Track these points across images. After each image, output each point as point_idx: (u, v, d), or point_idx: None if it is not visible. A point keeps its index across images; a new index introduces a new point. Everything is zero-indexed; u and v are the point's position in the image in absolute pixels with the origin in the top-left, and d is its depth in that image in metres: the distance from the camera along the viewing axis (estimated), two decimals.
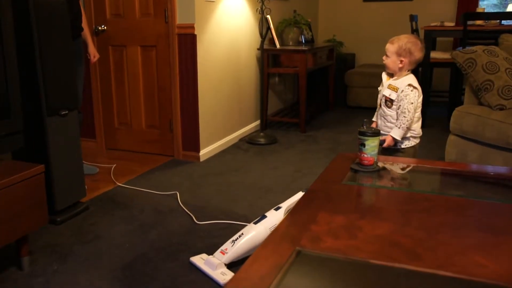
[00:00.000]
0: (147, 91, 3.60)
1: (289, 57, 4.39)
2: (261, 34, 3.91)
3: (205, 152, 3.56)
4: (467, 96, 3.25)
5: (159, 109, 3.59)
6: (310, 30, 5.16)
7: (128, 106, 3.69)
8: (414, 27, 4.77)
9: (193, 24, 3.31)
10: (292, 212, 1.42)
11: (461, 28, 4.33)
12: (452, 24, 4.88)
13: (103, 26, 3.57)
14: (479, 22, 4.53)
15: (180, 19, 3.34)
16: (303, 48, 4.31)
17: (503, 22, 4.48)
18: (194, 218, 2.53)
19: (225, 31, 3.74)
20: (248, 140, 4.00)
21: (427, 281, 1.09)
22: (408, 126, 2.36)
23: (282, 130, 4.47)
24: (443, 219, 1.41)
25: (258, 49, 4.26)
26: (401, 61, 2.34)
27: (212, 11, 3.52)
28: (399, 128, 2.35)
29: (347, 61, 5.94)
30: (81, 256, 2.14)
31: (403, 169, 1.97)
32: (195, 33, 3.33)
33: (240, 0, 3.95)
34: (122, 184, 3.05)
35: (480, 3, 5.76)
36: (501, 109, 2.96)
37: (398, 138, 2.36)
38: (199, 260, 2.06)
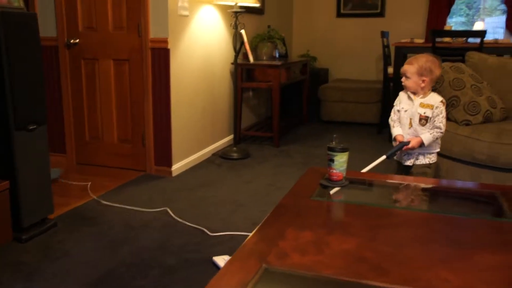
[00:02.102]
0: (120, 104, 3.56)
1: (262, 72, 4.42)
2: (235, 48, 3.93)
3: (177, 166, 3.53)
4: None
5: (132, 123, 3.56)
6: (284, 45, 5.21)
7: (99, 120, 3.64)
8: (385, 43, 4.87)
9: (167, 38, 3.30)
10: (260, 228, 1.42)
11: (429, 45, 4.45)
12: (422, 40, 5.00)
13: (75, 39, 3.53)
14: (446, 39, 4.66)
15: (153, 33, 3.33)
16: (277, 63, 4.34)
17: (470, 40, 4.62)
18: (165, 233, 2.50)
19: (199, 45, 3.74)
20: (221, 155, 3.99)
21: None
22: (438, 137, 2.45)
23: (255, 144, 4.48)
24: (410, 234, 1.43)
25: (232, 63, 4.27)
26: (423, 80, 2.40)
27: (186, 25, 3.53)
28: (431, 134, 2.41)
29: (320, 76, 6.02)
30: (48, 274, 2.09)
31: (371, 184, 2.00)
32: (169, 47, 3.32)
33: (214, 14, 3.97)
34: (93, 199, 3.00)
35: (449, 20, 5.93)
36: (467, 125, 3.04)
37: (427, 143, 2.42)
38: (222, 260, 2.12)
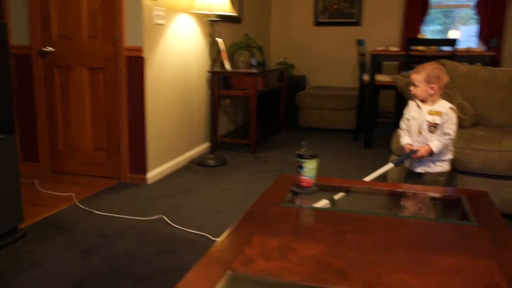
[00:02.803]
0: (94, 113, 3.54)
1: (239, 80, 4.44)
2: (211, 57, 3.94)
3: (153, 174, 3.52)
4: None
5: (107, 131, 3.53)
6: (262, 53, 5.24)
7: (74, 129, 3.61)
8: (361, 51, 4.93)
9: (142, 47, 3.30)
10: (227, 235, 1.42)
11: (404, 53, 4.53)
12: (397, 48, 5.08)
13: (48, 47, 3.50)
14: (421, 47, 4.75)
15: (128, 41, 3.32)
16: (254, 70, 4.37)
17: (443, 48, 4.71)
18: (138, 241, 2.48)
19: (175, 53, 3.75)
20: (197, 162, 3.98)
21: None
22: (448, 144, 2.45)
23: (232, 151, 4.48)
24: (376, 238, 1.45)
25: (208, 71, 4.28)
26: (432, 87, 2.42)
27: (162, 33, 3.53)
28: (440, 142, 2.42)
29: (298, 83, 6.06)
30: (15, 285, 2.05)
31: (340, 190, 2.02)
32: (144, 55, 3.32)
33: (190, 23, 3.98)
34: (66, 208, 2.96)
35: (426, 28, 6.04)
36: None
37: (436, 151, 2.42)
38: None
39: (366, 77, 4.77)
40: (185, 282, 1.15)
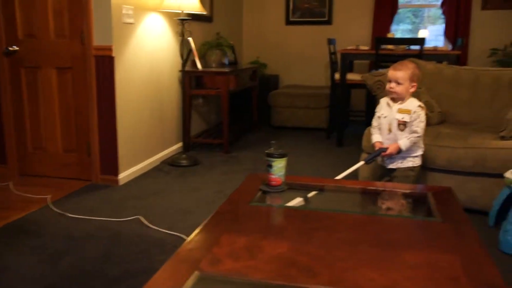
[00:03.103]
0: (63, 113, 3.48)
1: (211, 79, 4.43)
2: (182, 56, 3.92)
3: (124, 175, 3.48)
4: None
5: (76, 132, 3.48)
6: (234, 52, 5.24)
7: (43, 130, 3.54)
8: (332, 50, 4.99)
9: (111, 45, 3.26)
10: (196, 235, 1.42)
11: (373, 52, 4.60)
12: (367, 47, 5.15)
13: (14, 46, 3.42)
14: (390, 46, 4.83)
15: (97, 40, 3.28)
16: (225, 70, 4.37)
17: (412, 47, 4.80)
18: (109, 243, 2.46)
19: (145, 53, 3.72)
20: (170, 162, 3.97)
21: None
22: (416, 142, 2.50)
23: (205, 151, 4.48)
24: (343, 236, 1.48)
25: (180, 71, 4.26)
26: (413, 86, 2.47)
27: (131, 32, 3.49)
28: (408, 139, 2.47)
29: (271, 82, 6.09)
30: None
31: (310, 188, 2.04)
32: (113, 55, 3.28)
33: (160, 22, 3.96)
34: (36, 210, 2.91)
35: (396, 27, 6.15)
36: None
37: (404, 148, 2.48)
38: None
39: (337, 76, 4.83)
40: (152, 283, 1.15)
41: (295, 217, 1.64)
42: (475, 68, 3.62)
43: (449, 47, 5.65)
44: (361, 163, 2.53)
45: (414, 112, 2.48)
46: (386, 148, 2.50)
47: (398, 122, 2.50)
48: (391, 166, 2.60)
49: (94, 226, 2.69)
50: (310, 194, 1.95)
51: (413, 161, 2.57)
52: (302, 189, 1.99)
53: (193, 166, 3.93)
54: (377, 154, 2.53)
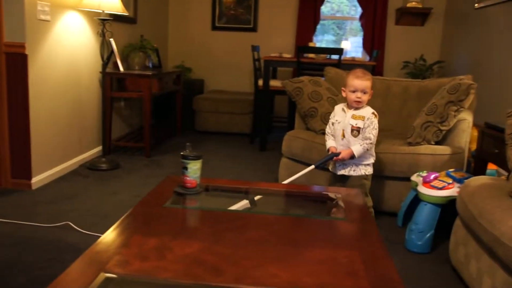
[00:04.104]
0: None
1: (134, 82, 4.36)
2: (102, 57, 3.82)
3: (39, 179, 3.33)
4: (297, 122, 3.56)
5: None
6: (157, 55, 5.19)
7: None
8: (256, 57, 5.08)
9: (24, 43, 3.11)
10: (105, 237, 1.41)
11: (295, 59, 4.74)
12: (290, 55, 5.31)
13: None
14: (311, 55, 5.02)
15: (8, 37, 3.12)
16: (148, 72, 4.31)
17: (333, 56, 5.01)
18: (16, 250, 2.34)
19: (62, 52, 3.58)
20: (89, 166, 3.84)
21: None
22: (368, 148, 2.53)
23: (126, 155, 4.39)
24: (251, 235, 1.52)
25: (100, 72, 4.15)
26: (371, 94, 2.53)
27: (48, 30, 3.36)
28: (361, 146, 2.50)
29: (196, 87, 6.09)
30: None
31: (223, 190, 2.08)
32: (26, 52, 3.14)
33: (80, 21, 3.84)
34: None
35: (321, 37, 6.38)
36: (324, 134, 3.29)
37: (357, 154, 2.51)
38: None
39: (260, 82, 4.92)
40: (56, 284, 1.12)
41: (207, 218, 1.66)
42: (387, 78, 3.85)
43: (367, 58, 5.96)
44: (312, 167, 2.58)
45: (368, 118, 2.52)
46: (339, 153, 2.55)
47: (351, 128, 2.55)
48: (342, 172, 2.64)
49: (1, 232, 2.55)
50: (257, 197, 1.98)
51: (365, 169, 2.62)
52: (219, 191, 2.02)
53: (112, 170, 3.83)
54: (329, 158, 2.58)
